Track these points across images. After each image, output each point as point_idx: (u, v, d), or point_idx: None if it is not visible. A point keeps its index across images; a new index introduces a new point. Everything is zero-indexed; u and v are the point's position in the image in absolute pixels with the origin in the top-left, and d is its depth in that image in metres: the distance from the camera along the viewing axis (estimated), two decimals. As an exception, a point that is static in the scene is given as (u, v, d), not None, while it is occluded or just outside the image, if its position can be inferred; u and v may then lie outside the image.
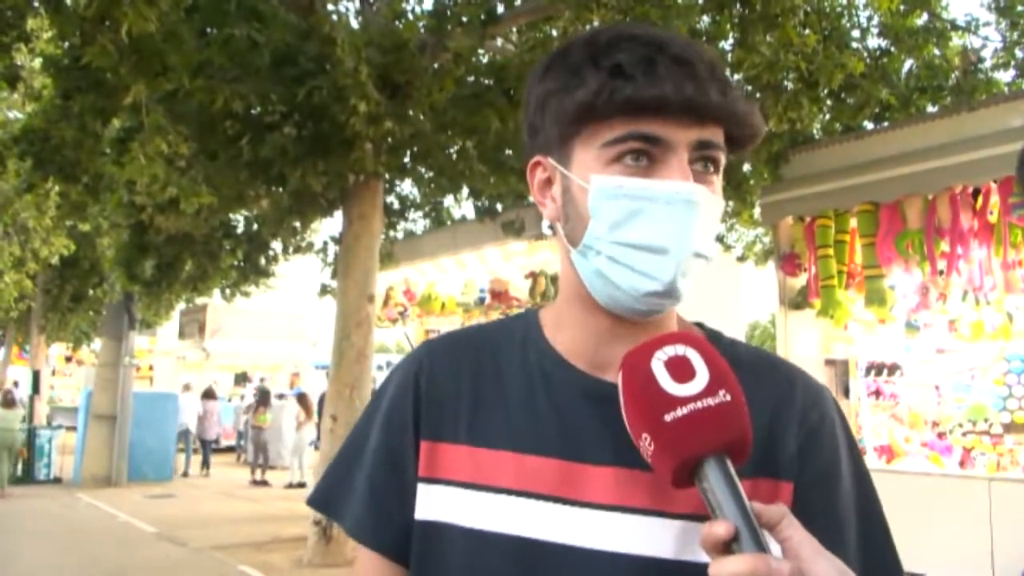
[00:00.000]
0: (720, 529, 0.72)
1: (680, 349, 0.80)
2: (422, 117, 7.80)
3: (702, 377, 0.78)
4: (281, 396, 18.03)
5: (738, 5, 7.36)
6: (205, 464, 16.41)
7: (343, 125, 6.72)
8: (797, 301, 7.98)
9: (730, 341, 1.02)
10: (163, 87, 6.10)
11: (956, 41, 8.83)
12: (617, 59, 0.84)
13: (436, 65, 7.51)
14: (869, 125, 8.40)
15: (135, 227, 9.80)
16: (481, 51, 8.24)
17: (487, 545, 0.90)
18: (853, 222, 7.51)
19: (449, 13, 7.53)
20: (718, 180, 0.90)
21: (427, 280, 13.36)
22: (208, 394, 17.05)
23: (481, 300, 12.89)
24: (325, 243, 12.65)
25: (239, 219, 12.25)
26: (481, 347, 1.03)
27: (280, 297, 19.92)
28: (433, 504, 0.95)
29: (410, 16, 8.27)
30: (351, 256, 8.54)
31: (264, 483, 14.49)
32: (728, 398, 0.77)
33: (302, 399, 14.82)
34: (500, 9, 7.96)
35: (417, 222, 13.35)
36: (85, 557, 8.15)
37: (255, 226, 12.42)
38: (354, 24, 7.94)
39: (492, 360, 1.00)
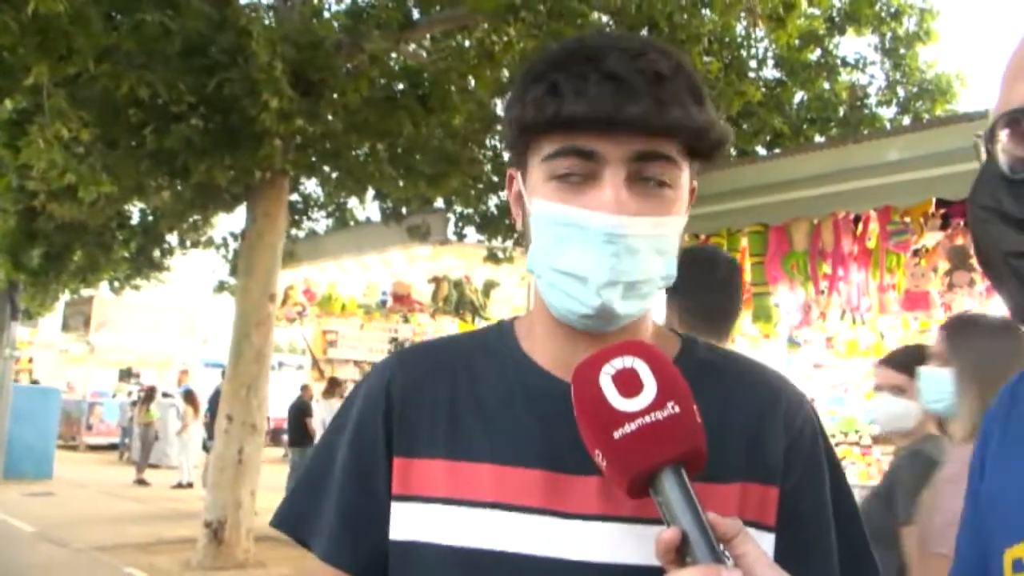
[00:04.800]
0: (668, 534, 0.73)
1: (628, 361, 0.79)
2: (331, 117, 7.80)
3: (650, 390, 0.77)
4: (166, 394, 17.42)
5: (647, 29, 7.66)
6: None
7: (253, 119, 6.65)
8: (691, 314, 8.31)
9: (707, 347, 1.02)
10: (66, 70, 5.92)
11: (845, 77, 9.40)
12: (554, 77, 0.85)
13: (350, 66, 7.53)
14: (762, 151, 8.84)
15: (24, 213, 9.38)
16: (395, 55, 8.29)
17: (470, 563, 0.87)
18: (744, 242, 7.86)
19: (366, 15, 7.56)
20: (671, 192, 0.88)
21: (328, 280, 13.25)
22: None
23: (383, 303, 12.90)
24: (224, 239, 12.38)
25: (133, 210, 11.87)
26: (455, 358, 0.99)
27: (170, 292, 19.29)
28: (409, 523, 0.91)
29: (326, 14, 8.25)
30: (254, 254, 8.42)
31: (144, 482, 14.03)
32: (676, 410, 0.76)
33: (189, 397, 14.43)
34: (416, 15, 8.05)
35: (319, 221, 13.24)
36: (-44, 556, 7.76)
37: (150, 217, 12.05)
38: (268, 19, 7.86)
39: (467, 371, 0.97)
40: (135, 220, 12.01)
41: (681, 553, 0.73)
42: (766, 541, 0.88)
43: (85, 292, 17.56)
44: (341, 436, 0.99)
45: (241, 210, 9.65)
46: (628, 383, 0.78)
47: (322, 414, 10.98)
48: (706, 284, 2.16)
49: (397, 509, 0.92)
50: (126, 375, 23.68)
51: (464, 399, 0.94)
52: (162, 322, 22.54)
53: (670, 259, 0.90)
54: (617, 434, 0.76)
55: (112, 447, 19.26)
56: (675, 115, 0.83)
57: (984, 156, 0.75)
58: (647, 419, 0.76)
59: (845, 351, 7.32)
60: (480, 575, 0.87)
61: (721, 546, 0.74)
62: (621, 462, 0.76)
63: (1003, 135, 0.72)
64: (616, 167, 0.84)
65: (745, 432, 0.92)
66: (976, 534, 0.87)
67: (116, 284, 14.16)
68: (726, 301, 2.25)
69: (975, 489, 0.89)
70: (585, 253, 0.85)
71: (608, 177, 0.84)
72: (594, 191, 0.85)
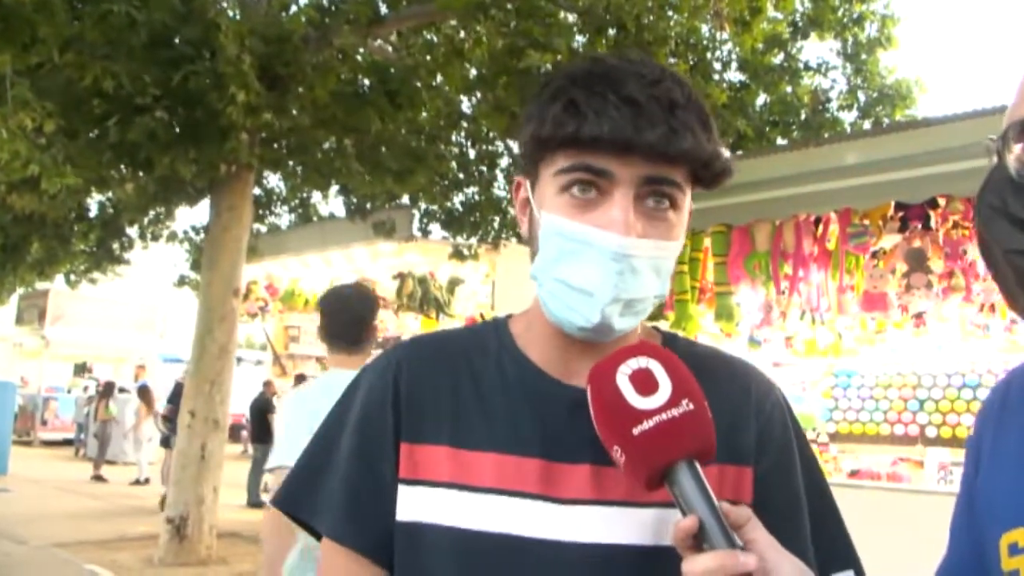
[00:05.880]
0: (686, 522, 0.78)
1: (643, 362, 0.84)
2: (298, 111, 7.74)
3: (665, 389, 0.82)
4: (123, 389, 17.13)
5: (613, 30, 7.74)
6: None
7: (219, 113, 6.58)
8: (653, 313, 8.39)
9: (686, 341, 1.08)
10: (30, 59, 5.82)
11: (807, 81, 9.57)
12: (574, 95, 0.88)
13: (318, 60, 7.49)
14: (725, 153, 8.97)
15: (-21, 204, 9.19)
16: (363, 50, 8.27)
17: (473, 543, 0.92)
18: (707, 242, 7.95)
19: (335, 9, 7.52)
20: (674, 215, 0.92)
21: (291, 276, 13.17)
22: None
23: (347, 298, 12.80)
24: (187, 232, 12.23)
25: (92, 202, 11.66)
26: (456, 352, 1.04)
27: (128, 285, 18.96)
28: (415, 505, 0.96)
29: (294, 8, 8.19)
30: (218, 248, 8.34)
31: (101, 478, 13.82)
32: (691, 407, 0.81)
33: (143, 392, 14.24)
34: (385, 11, 8.03)
35: (282, 216, 13.16)
36: (-92, 554, 7.59)
37: (110, 210, 11.85)
38: (235, 12, 7.79)
39: (468, 366, 1.02)
40: (94, 213, 11.80)
41: (697, 540, 0.78)
42: None
43: (40, 285, 17.20)
44: (345, 422, 1.02)
45: (203, 203, 9.56)
46: (644, 382, 0.82)
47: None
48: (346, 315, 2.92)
49: (403, 492, 0.97)
50: (81, 370, 23.25)
51: (466, 391, 0.99)
52: (119, 316, 22.15)
53: (665, 279, 0.94)
54: (636, 431, 0.80)
55: (67, 443, 18.95)
56: (687, 143, 0.87)
57: (995, 159, 0.80)
58: (664, 416, 0.80)
59: (804, 350, 7.46)
60: (481, 556, 0.91)
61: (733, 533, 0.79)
62: (640, 457, 0.81)
63: (1014, 143, 0.78)
64: (626, 188, 0.88)
65: (722, 418, 0.94)
66: (971, 524, 0.92)
67: (73, 277, 13.91)
68: (363, 330, 2.94)
69: (970, 483, 0.95)
70: (592, 269, 0.88)
71: (618, 198, 0.88)
72: (603, 210, 0.89)
